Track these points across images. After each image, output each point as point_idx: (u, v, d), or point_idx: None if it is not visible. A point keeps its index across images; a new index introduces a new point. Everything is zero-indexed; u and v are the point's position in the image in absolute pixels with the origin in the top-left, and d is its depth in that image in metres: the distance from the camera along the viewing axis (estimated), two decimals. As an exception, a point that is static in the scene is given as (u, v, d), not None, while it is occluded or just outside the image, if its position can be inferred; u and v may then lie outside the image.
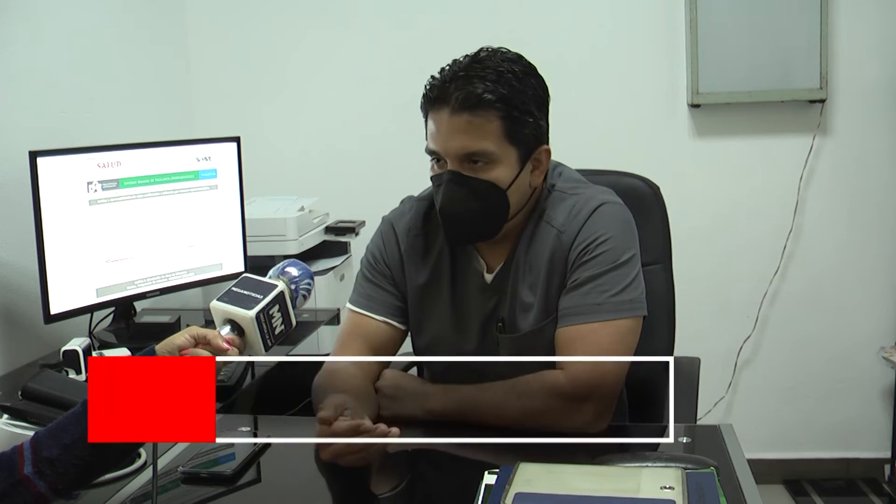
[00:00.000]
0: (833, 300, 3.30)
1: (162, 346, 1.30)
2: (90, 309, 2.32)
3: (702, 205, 3.25)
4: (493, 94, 1.55)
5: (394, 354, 1.75)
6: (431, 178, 1.65)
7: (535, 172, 1.65)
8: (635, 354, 1.62)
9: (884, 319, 3.28)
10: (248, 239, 2.68)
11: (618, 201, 1.68)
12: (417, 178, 1.85)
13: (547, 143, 1.66)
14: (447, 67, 1.60)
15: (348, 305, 1.75)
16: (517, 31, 3.14)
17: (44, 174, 2.14)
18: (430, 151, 1.62)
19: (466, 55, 1.62)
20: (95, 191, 2.27)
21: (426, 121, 1.62)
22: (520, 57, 1.63)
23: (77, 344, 2.05)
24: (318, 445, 1.43)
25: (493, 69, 1.57)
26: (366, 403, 1.57)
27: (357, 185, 3.30)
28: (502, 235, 1.66)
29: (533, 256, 1.66)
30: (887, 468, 3.28)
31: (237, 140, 2.64)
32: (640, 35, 3.22)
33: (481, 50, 1.62)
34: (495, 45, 1.64)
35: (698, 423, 1.89)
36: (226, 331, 1.34)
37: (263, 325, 1.35)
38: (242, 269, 2.60)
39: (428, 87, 1.60)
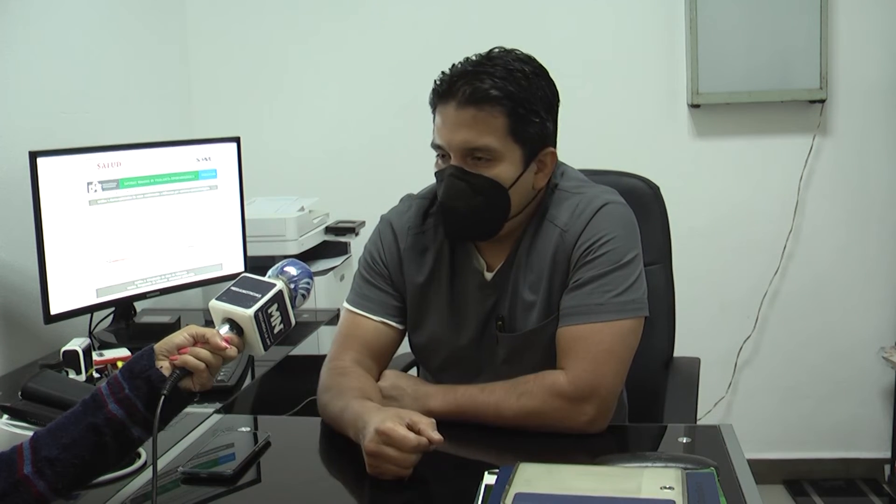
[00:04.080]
0: (833, 300, 3.30)
1: (161, 346, 1.29)
2: (90, 309, 2.32)
3: (702, 205, 3.25)
4: (499, 90, 1.56)
5: (392, 354, 1.75)
6: (435, 173, 1.65)
7: (539, 174, 1.65)
8: (635, 355, 1.62)
9: (884, 319, 3.28)
10: (248, 239, 2.68)
11: (621, 201, 1.68)
12: (418, 178, 1.85)
13: (553, 146, 1.66)
14: (458, 64, 1.61)
15: (345, 305, 1.75)
16: (517, 32, 3.12)
17: (44, 174, 2.14)
18: (434, 146, 1.62)
19: (478, 53, 1.62)
20: (95, 191, 2.27)
21: (434, 115, 1.62)
22: (531, 58, 1.63)
23: (77, 344, 2.05)
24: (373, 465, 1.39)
25: (503, 67, 1.58)
26: (378, 402, 1.57)
27: (357, 185, 3.30)
28: (503, 234, 1.65)
29: (535, 255, 1.65)
30: (887, 468, 3.28)
31: (237, 140, 2.64)
32: (640, 35, 3.23)
33: (493, 49, 1.63)
34: (495, 46, 1.64)
35: (698, 423, 1.89)
36: (224, 330, 1.33)
37: (262, 324, 1.35)
38: (242, 269, 2.60)
39: (437, 81, 1.61)
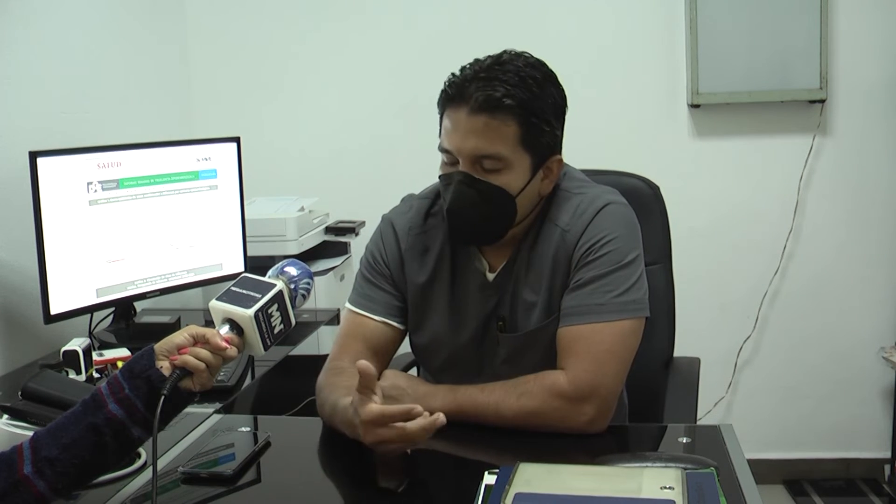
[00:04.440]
0: (833, 300, 3.30)
1: (161, 346, 1.29)
2: (90, 309, 2.32)
3: (702, 205, 3.25)
4: (513, 98, 1.54)
5: (393, 354, 1.75)
6: (440, 176, 1.64)
7: (545, 181, 1.64)
8: (636, 355, 1.62)
9: (884, 319, 3.28)
10: (248, 239, 2.68)
11: (622, 201, 1.68)
12: (418, 178, 1.85)
13: (560, 153, 1.66)
14: (468, 66, 1.59)
15: (347, 305, 1.75)
16: (517, 32, 3.15)
17: (44, 174, 2.14)
18: (442, 149, 1.61)
19: (489, 56, 1.60)
20: (95, 191, 2.27)
21: (441, 117, 1.61)
22: (542, 63, 1.62)
23: (77, 344, 2.05)
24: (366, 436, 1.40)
25: (515, 73, 1.56)
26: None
27: (357, 185, 3.30)
28: (506, 237, 1.65)
29: (536, 256, 1.65)
30: (887, 468, 3.28)
31: (237, 140, 2.64)
32: (640, 35, 3.22)
33: (504, 52, 1.60)
34: (496, 46, 1.63)
35: (698, 423, 1.89)
36: (225, 330, 1.33)
37: (262, 324, 1.35)
38: (242, 269, 2.60)
39: (447, 83, 1.59)
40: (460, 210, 1.59)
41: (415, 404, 1.39)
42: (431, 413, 1.57)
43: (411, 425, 1.36)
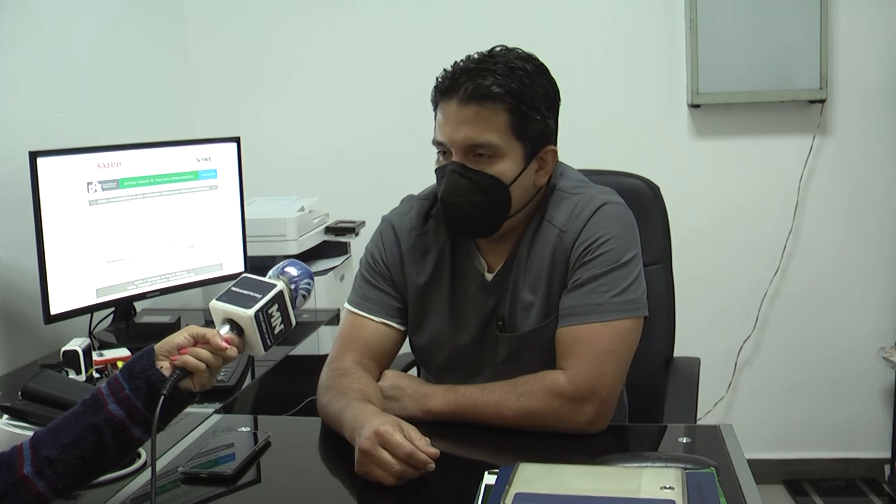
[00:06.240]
0: (833, 300, 3.30)
1: (161, 346, 1.29)
2: (90, 309, 2.32)
3: (702, 205, 3.25)
4: (502, 87, 1.56)
5: (394, 355, 1.75)
6: (436, 170, 1.65)
7: (539, 172, 1.65)
8: (635, 355, 1.62)
9: (884, 319, 3.28)
10: (248, 239, 2.68)
11: (619, 201, 1.68)
12: (418, 178, 1.85)
13: (554, 144, 1.66)
14: (460, 61, 1.61)
15: (347, 306, 1.75)
16: (517, 32, 3.10)
17: (44, 174, 2.14)
18: (436, 142, 1.63)
19: (480, 52, 1.62)
20: (95, 191, 2.27)
21: (435, 112, 1.63)
22: (533, 57, 1.64)
23: (77, 344, 2.05)
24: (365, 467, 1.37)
25: (505, 64, 1.58)
26: (379, 405, 1.57)
27: (357, 185, 3.30)
28: (503, 234, 1.66)
29: (534, 256, 1.66)
30: (887, 468, 3.28)
31: (237, 140, 2.64)
32: (640, 35, 3.23)
33: (496, 47, 1.63)
34: (497, 45, 1.64)
35: (698, 423, 1.89)
36: (225, 330, 1.33)
37: (262, 324, 1.35)
38: (242, 269, 2.60)
39: (440, 78, 1.61)
40: (455, 200, 1.60)
41: (421, 458, 1.35)
42: (432, 412, 1.59)
43: (402, 465, 1.34)
